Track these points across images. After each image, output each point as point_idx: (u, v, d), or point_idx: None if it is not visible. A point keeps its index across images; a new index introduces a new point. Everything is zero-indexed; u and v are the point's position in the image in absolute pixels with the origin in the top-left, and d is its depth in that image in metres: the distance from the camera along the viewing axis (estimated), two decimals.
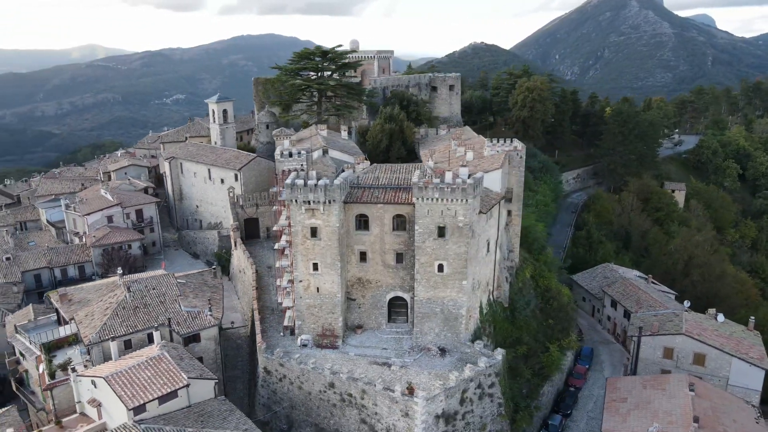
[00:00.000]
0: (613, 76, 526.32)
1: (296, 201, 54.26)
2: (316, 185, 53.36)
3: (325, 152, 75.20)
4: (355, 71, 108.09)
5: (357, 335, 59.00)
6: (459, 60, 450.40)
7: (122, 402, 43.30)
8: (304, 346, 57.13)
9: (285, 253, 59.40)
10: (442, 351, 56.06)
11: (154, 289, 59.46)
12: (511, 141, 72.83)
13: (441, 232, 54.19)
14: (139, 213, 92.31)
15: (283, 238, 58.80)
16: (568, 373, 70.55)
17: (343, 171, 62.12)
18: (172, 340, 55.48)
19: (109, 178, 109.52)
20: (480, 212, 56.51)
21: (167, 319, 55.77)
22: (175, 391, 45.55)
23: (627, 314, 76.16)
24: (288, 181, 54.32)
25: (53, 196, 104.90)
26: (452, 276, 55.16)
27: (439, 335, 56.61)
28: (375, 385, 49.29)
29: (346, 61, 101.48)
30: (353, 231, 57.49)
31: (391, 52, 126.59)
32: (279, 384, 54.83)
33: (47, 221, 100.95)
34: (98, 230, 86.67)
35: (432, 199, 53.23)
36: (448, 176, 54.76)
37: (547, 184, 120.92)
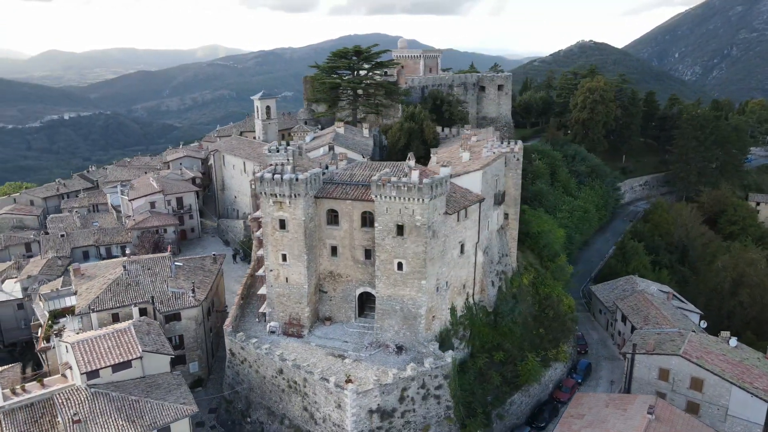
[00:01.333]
0: (741, 76, 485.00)
1: (265, 193, 57.07)
2: (282, 179, 55.85)
3: (330, 149, 77.73)
4: (387, 70, 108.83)
5: (325, 326, 60.90)
6: (564, 59, 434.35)
7: (77, 366, 48.36)
8: (272, 332, 59.89)
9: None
10: (399, 349, 56.50)
11: (149, 269, 64.88)
12: (509, 143, 71.11)
13: (399, 230, 54.63)
14: (180, 200, 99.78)
15: (261, 229, 61.89)
16: (556, 386, 67.91)
17: (327, 167, 64.13)
18: (155, 317, 60.46)
19: (168, 168, 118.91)
20: (446, 213, 56.27)
21: (151, 297, 60.78)
22: (129, 361, 50.01)
23: (634, 330, 71.73)
24: (258, 174, 57.28)
25: (119, 183, 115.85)
26: (411, 275, 55.41)
27: (399, 333, 57.04)
28: (314, 374, 50.97)
29: (380, 60, 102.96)
30: (324, 225, 59.41)
31: (440, 51, 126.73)
32: (241, 366, 58.10)
33: (111, 205, 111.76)
34: (141, 214, 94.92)
35: (389, 198, 53.83)
36: (414, 175, 55.04)
37: (595, 190, 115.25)
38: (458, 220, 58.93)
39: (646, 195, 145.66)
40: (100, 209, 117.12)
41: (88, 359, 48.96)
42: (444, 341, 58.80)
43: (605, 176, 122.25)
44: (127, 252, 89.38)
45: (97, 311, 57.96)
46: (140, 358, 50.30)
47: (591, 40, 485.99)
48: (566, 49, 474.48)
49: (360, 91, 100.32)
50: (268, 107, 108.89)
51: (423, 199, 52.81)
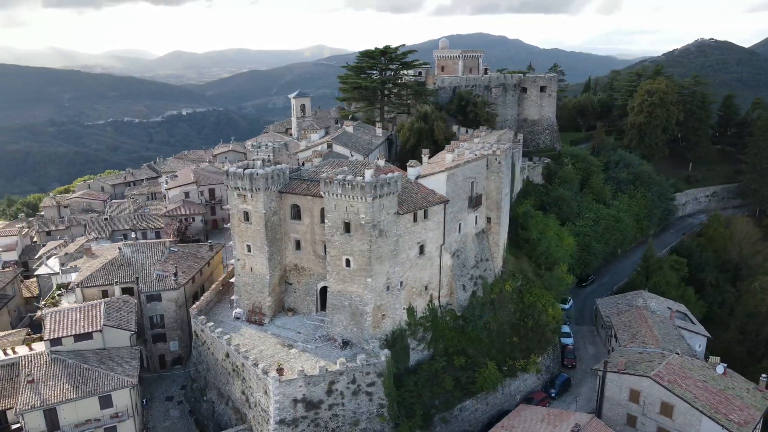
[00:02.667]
0: None
1: (230, 186, 60.39)
2: (243, 173, 58.87)
3: (329, 146, 79.99)
4: (419, 71, 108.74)
5: (287, 317, 63.24)
6: (678, 59, 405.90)
7: (45, 334, 54.24)
8: (237, 319, 63.15)
9: None
10: (345, 343, 57.65)
11: (143, 253, 70.57)
12: (496, 146, 69.49)
13: (347, 227, 55.79)
14: (212, 192, 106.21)
15: None
16: (525, 398, 65.61)
17: (303, 164, 66.45)
18: (138, 296, 65.83)
19: (215, 161, 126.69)
20: (397, 213, 56.59)
21: (135, 278, 66.25)
22: (90, 333, 55.24)
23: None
24: (223, 168, 60.68)
25: (170, 173, 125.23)
26: (358, 272, 56.36)
27: (347, 328, 58.14)
28: (248, 360, 53.47)
29: (406, 60, 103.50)
30: (289, 220, 61.78)
31: (481, 51, 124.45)
32: (202, 347, 61.89)
33: (163, 193, 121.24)
34: (175, 203, 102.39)
35: (336, 195, 55.13)
36: (368, 174, 55.99)
37: (636, 199, 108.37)
38: (415, 221, 58.94)
39: (713, 207, 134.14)
40: (157, 197, 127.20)
41: (54, 328, 54.71)
42: (396, 341, 59.10)
43: (654, 185, 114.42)
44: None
45: (84, 287, 64.19)
46: (100, 331, 55.34)
47: (711, 39, 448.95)
48: (682, 49, 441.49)
49: (386, 91, 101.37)
50: (302, 105, 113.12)
51: (366, 198, 53.56)
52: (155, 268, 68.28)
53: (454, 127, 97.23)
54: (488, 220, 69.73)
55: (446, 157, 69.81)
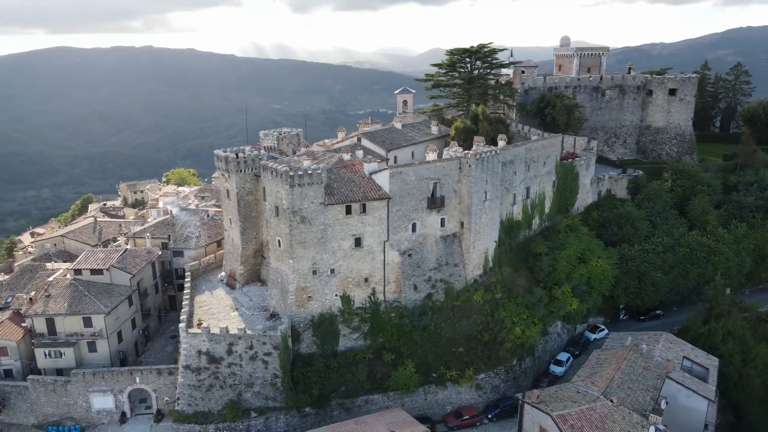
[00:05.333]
0: None
1: (218, 167, 70.51)
2: (222, 156, 68.43)
3: (358, 140, 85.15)
4: (496, 69, 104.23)
5: (256, 286, 71.34)
6: None
7: (74, 264, 71.70)
8: (221, 281, 73.48)
9: None
10: (273, 315, 63.76)
11: (189, 217, 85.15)
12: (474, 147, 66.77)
13: (276, 211, 61.57)
14: None
15: None
16: (454, 411, 62.93)
17: (295, 153, 73.30)
18: (168, 249, 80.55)
19: None
20: (324, 203, 60.29)
21: (168, 235, 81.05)
22: (101, 270, 70.95)
23: None
24: (215, 151, 70.97)
25: None
26: (285, 253, 61.83)
27: (279, 302, 64.00)
28: (180, 313, 63.17)
29: (493, 61, 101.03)
30: (262, 200, 69.57)
31: (604, 49, 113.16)
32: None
33: None
34: None
35: (269, 181, 61.23)
36: (305, 164, 61.27)
37: (755, 229, 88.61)
38: (349, 213, 61.64)
39: None
40: None
41: (81, 260, 71.81)
42: (323, 323, 63.04)
43: None
44: None
45: (131, 237, 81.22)
46: (108, 269, 70.71)
47: None
48: None
49: (472, 90, 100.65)
50: (405, 101, 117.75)
51: (286, 186, 58.69)
52: (187, 231, 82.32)
53: (525, 128, 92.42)
54: (461, 224, 67.67)
55: (428, 156, 70.05)
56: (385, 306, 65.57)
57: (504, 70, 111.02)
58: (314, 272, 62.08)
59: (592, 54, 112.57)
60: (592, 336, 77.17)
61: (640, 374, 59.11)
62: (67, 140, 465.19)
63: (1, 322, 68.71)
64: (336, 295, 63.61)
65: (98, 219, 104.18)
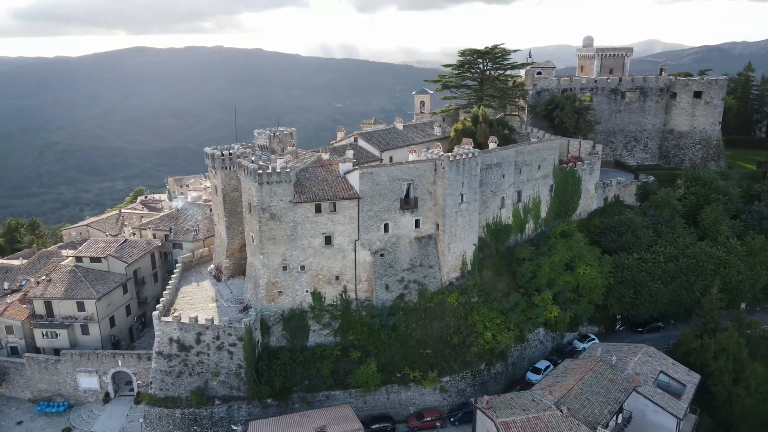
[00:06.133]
0: None
1: (207, 164, 73.35)
2: (209, 154, 71.17)
3: (355, 140, 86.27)
4: (504, 71, 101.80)
5: (240, 279, 73.49)
6: None
7: (76, 251, 76.59)
8: (210, 273, 76.43)
9: None
10: (246, 307, 65.79)
11: (192, 210, 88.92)
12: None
13: (249, 207, 63.57)
14: None
15: None
16: (416, 413, 62.89)
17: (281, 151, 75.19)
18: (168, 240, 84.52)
19: None
20: (292, 201, 61.79)
21: (170, 227, 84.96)
22: (99, 258, 75.43)
23: None
24: (205, 149, 73.84)
25: None
26: (257, 248, 63.74)
27: (252, 295, 66.01)
28: (159, 302, 66.24)
29: (504, 62, 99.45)
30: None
31: (627, 50, 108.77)
32: None
33: None
34: None
35: (243, 178, 63.30)
36: (279, 163, 63.15)
37: None
38: (319, 212, 62.84)
39: None
40: None
41: (83, 249, 76.63)
42: (293, 318, 64.67)
43: None
44: None
45: (136, 228, 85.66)
46: (105, 258, 75.10)
47: None
48: None
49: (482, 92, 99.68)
50: (422, 102, 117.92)
51: (255, 184, 60.60)
52: (188, 224, 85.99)
53: (534, 131, 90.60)
54: (437, 226, 67.45)
55: (410, 157, 70.30)
56: (357, 304, 66.36)
57: (523, 71, 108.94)
58: (284, 268, 63.70)
59: (614, 55, 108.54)
60: (581, 345, 74.96)
61: (604, 386, 57.13)
62: (140, 135, 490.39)
63: (11, 303, 74.42)
64: (307, 291, 64.99)
65: (123, 210, 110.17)
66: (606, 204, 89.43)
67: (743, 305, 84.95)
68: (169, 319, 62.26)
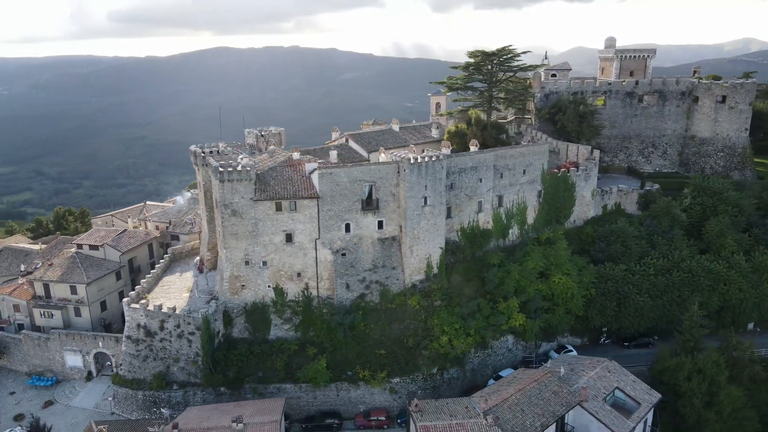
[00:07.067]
0: None
1: (192, 161, 76.92)
2: (192, 152, 74.66)
3: (346, 141, 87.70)
4: (514, 73, 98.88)
5: None
6: None
7: (78, 239, 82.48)
8: (195, 265, 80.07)
9: None
10: (214, 299, 68.59)
11: (196, 204, 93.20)
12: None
13: (215, 203, 66.31)
14: None
15: None
16: (366, 411, 63.30)
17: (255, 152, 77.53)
18: (169, 229, 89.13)
19: None
20: (253, 199, 63.93)
21: (170, 220, 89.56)
22: (97, 246, 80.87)
23: None
24: (190, 147, 77.41)
25: None
26: (222, 242, 66.39)
27: (219, 287, 68.77)
28: (133, 291, 70.20)
29: (511, 64, 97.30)
30: None
31: (649, 51, 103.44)
32: None
33: None
34: None
35: (212, 176, 66.10)
36: (243, 161, 65.63)
37: None
38: (279, 210, 64.70)
39: None
40: None
41: (84, 237, 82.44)
42: (255, 312, 66.96)
43: None
44: None
45: (142, 219, 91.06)
46: (102, 246, 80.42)
47: None
48: None
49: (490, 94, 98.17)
50: (438, 103, 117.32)
51: (217, 181, 63.26)
52: (187, 217, 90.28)
53: (536, 134, 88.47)
54: (400, 228, 67.51)
55: (380, 157, 70.86)
56: (318, 302, 67.66)
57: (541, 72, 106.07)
58: (247, 263, 65.99)
59: (635, 57, 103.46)
60: (556, 356, 72.58)
61: (544, 398, 55.43)
62: (217, 131, 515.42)
63: (21, 284, 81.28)
64: (269, 286, 66.98)
65: (147, 203, 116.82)
66: (605, 212, 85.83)
67: (750, 325, 79.29)
68: (137, 305, 66.07)
